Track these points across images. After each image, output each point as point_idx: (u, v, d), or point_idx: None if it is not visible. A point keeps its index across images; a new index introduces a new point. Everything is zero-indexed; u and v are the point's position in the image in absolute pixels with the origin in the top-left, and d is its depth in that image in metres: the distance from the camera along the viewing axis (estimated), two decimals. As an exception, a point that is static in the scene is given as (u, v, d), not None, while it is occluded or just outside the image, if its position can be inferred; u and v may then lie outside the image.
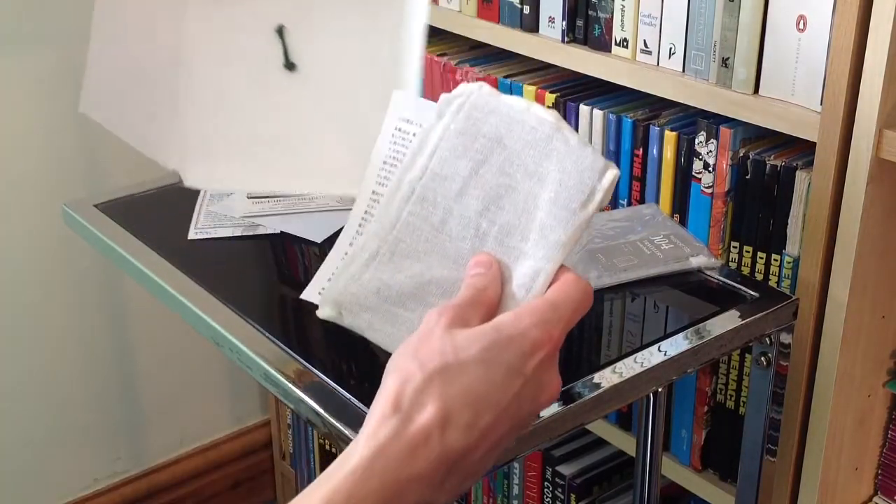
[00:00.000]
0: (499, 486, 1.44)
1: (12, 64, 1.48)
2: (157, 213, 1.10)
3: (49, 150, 1.54)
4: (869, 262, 0.94)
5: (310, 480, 1.82)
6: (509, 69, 1.23)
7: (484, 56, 1.27)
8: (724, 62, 0.98)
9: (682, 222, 1.06)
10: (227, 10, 0.99)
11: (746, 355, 1.04)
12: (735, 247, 1.03)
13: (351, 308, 0.71)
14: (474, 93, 0.70)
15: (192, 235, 1.02)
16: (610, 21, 1.08)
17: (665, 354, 0.83)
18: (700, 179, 1.03)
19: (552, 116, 0.68)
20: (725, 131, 0.99)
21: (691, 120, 1.05)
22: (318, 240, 1.00)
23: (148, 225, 1.05)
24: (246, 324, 0.87)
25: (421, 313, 0.66)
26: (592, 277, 0.91)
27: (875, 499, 1.08)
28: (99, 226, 1.05)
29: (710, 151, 1.01)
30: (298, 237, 1.01)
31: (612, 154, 1.10)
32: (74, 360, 1.68)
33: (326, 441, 1.76)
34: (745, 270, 1.02)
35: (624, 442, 1.19)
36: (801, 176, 0.96)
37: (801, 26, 0.92)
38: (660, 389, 1.05)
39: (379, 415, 0.58)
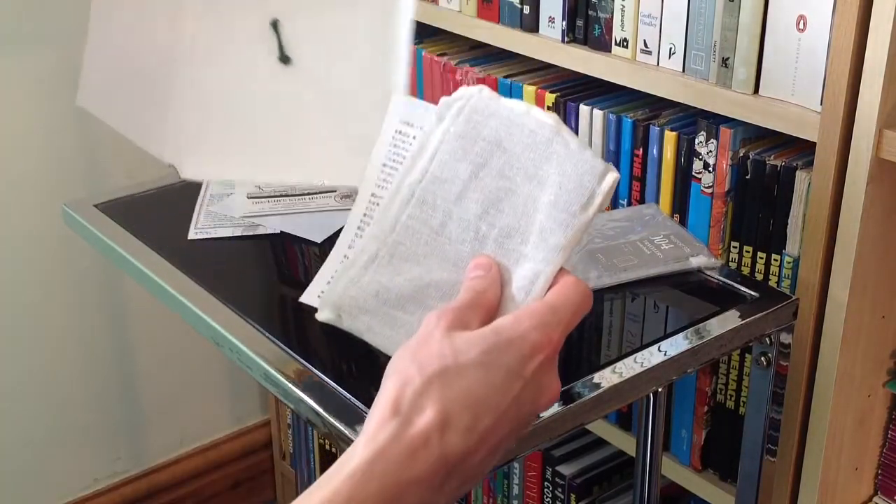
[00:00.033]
0: (499, 486, 1.44)
1: (12, 64, 1.48)
2: (157, 213, 1.10)
3: (49, 150, 1.54)
4: (869, 262, 0.93)
5: (310, 480, 1.82)
6: (509, 69, 1.22)
7: (484, 56, 1.27)
8: (724, 62, 0.98)
9: (682, 222, 1.06)
10: (222, 3, 1.00)
11: (746, 355, 1.04)
12: (735, 247, 1.03)
13: (350, 311, 0.71)
14: (474, 96, 0.70)
15: (192, 235, 1.02)
16: (610, 21, 1.08)
17: (665, 354, 0.83)
18: (700, 179, 1.03)
19: (552, 120, 0.68)
20: (725, 131, 0.99)
21: (691, 120, 1.05)
22: (318, 240, 1.00)
23: (148, 225, 1.05)
24: (246, 324, 0.87)
25: (420, 316, 0.66)
26: (592, 277, 0.91)
27: (875, 499, 1.08)
28: (99, 226, 1.05)
29: (710, 151, 1.01)
30: (298, 237, 1.01)
31: (612, 154, 1.10)
32: (74, 360, 1.68)
33: (326, 441, 1.76)
34: (745, 270, 1.02)
35: (624, 442, 1.19)
36: (801, 176, 0.96)
37: (801, 26, 0.92)
38: (660, 389, 1.05)
39: (378, 417, 0.58)
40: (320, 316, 0.72)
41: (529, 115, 0.69)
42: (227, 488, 1.92)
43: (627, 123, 1.08)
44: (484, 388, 0.59)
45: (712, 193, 1.02)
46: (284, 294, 0.98)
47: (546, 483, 1.35)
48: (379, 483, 0.56)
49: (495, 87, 1.20)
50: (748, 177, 1.00)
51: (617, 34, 1.08)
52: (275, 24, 0.99)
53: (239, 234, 1.02)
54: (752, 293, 0.91)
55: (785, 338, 0.94)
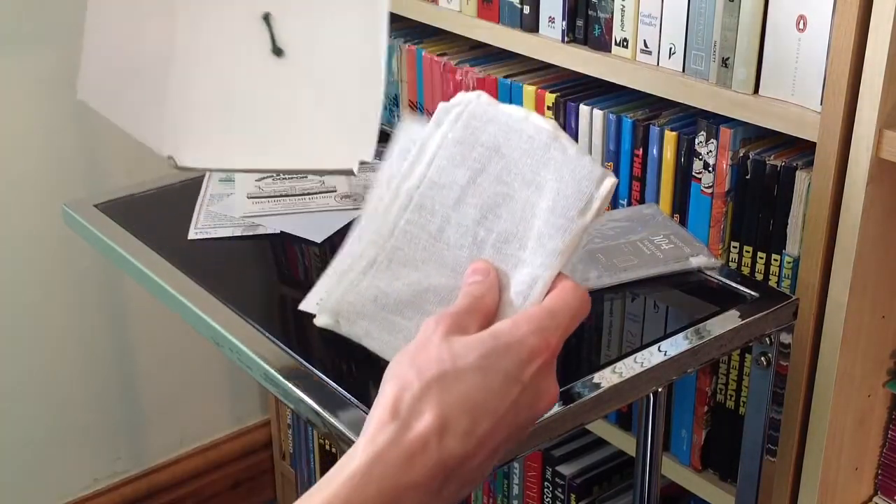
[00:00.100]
0: (499, 486, 1.44)
1: (12, 64, 1.48)
2: (157, 213, 1.10)
3: (49, 150, 1.54)
4: (869, 262, 0.93)
5: (310, 480, 1.83)
6: (509, 69, 1.22)
7: (484, 56, 1.27)
8: (724, 62, 0.98)
9: (682, 222, 1.06)
10: None
11: (746, 355, 1.04)
12: (735, 247, 1.03)
13: (348, 316, 0.71)
14: (472, 101, 0.71)
15: (192, 235, 1.02)
16: (610, 21, 1.08)
17: (665, 354, 0.83)
18: (700, 179, 1.03)
19: (550, 125, 0.68)
20: (725, 131, 0.99)
21: (691, 120, 1.05)
22: (318, 240, 1.00)
23: (148, 225, 1.05)
24: (246, 324, 0.87)
25: (418, 321, 0.66)
26: (592, 277, 0.91)
27: (875, 499, 1.08)
28: (99, 226, 1.05)
29: (710, 151, 1.01)
30: (298, 237, 1.01)
31: (612, 154, 1.10)
32: (74, 360, 1.68)
33: (326, 441, 1.76)
34: (745, 270, 1.02)
35: (624, 442, 1.19)
36: (801, 176, 0.95)
37: (801, 26, 0.92)
38: (660, 389, 1.05)
39: (377, 421, 0.58)
40: (318, 321, 0.72)
41: (528, 120, 0.69)
42: (227, 488, 1.92)
43: (627, 123, 1.08)
44: (482, 393, 0.59)
45: (712, 193, 1.02)
46: (284, 294, 0.98)
47: (546, 483, 1.35)
48: (377, 486, 0.56)
49: (495, 87, 1.20)
50: (748, 177, 0.99)
51: (617, 34, 1.08)
52: (266, 18, 1.02)
53: (239, 234, 1.02)
54: (752, 293, 0.91)
55: (785, 338, 0.94)
